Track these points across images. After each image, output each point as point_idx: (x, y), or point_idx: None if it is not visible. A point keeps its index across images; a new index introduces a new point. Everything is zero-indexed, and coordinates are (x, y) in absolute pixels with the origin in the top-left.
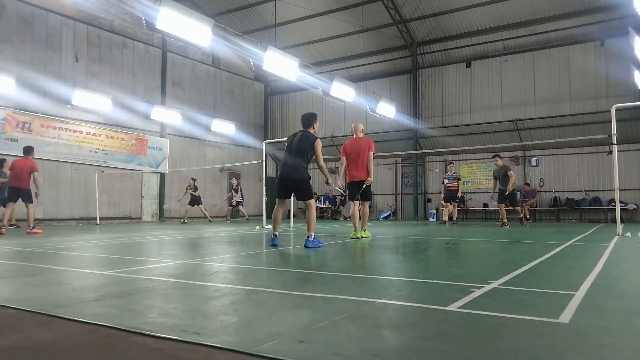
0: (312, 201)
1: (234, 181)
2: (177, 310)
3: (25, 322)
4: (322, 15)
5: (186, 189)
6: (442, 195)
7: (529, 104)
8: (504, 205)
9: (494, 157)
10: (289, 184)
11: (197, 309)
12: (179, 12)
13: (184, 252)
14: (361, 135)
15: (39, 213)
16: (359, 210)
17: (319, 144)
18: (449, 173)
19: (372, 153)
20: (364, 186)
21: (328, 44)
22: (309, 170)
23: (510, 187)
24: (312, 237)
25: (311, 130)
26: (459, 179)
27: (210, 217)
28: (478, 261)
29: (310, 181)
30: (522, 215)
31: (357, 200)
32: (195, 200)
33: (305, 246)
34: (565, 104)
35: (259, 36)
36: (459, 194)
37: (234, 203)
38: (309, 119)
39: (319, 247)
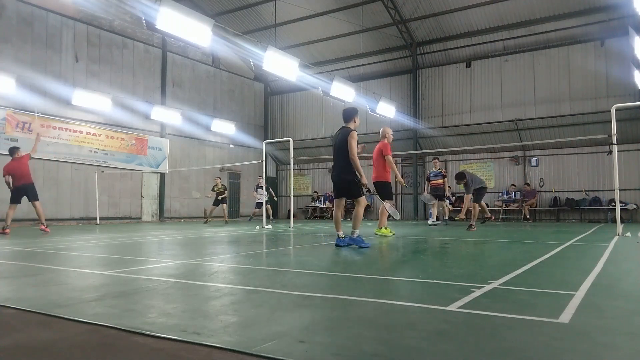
0: (362, 199)
1: (260, 179)
2: (177, 310)
3: (25, 322)
4: (322, 15)
5: (212, 189)
6: (426, 192)
7: (529, 104)
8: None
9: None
10: (338, 186)
11: (197, 309)
12: (179, 12)
13: (184, 252)
14: (384, 140)
15: None
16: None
17: (352, 136)
18: (433, 169)
19: (388, 156)
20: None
21: (328, 44)
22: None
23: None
24: (356, 234)
25: (351, 125)
26: (444, 176)
27: (210, 217)
28: (478, 261)
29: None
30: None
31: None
32: (220, 200)
33: (347, 244)
34: (565, 104)
35: (259, 36)
36: (447, 193)
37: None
38: (349, 114)
39: (362, 246)
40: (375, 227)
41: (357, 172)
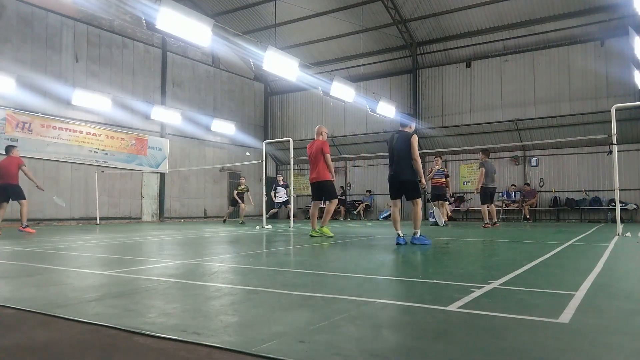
0: (419, 200)
1: (279, 177)
2: (177, 310)
3: (25, 322)
4: (322, 15)
5: (237, 190)
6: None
7: (529, 104)
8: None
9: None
10: (398, 185)
11: (197, 309)
12: (179, 12)
13: (184, 252)
14: (320, 137)
15: (60, 202)
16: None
17: (415, 139)
18: (437, 167)
19: (328, 155)
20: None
21: (328, 44)
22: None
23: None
24: (419, 234)
25: (407, 129)
26: (447, 176)
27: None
28: (478, 261)
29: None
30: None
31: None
32: (243, 200)
33: (412, 242)
34: (565, 104)
35: (259, 36)
36: (449, 193)
37: (277, 200)
38: (407, 120)
39: (424, 244)
40: (319, 227)
41: (418, 174)
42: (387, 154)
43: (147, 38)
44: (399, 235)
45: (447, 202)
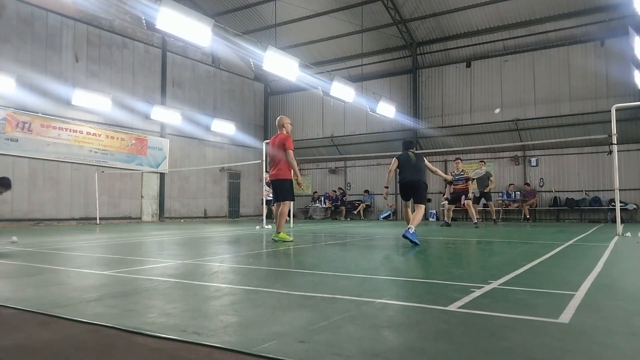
0: (424, 207)
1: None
2: (177, 310)
3: (25, 322)
4: (322, 15)
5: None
6: (446, 196)
7: (529, 104)
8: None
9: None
10: (412, 188)
11: (197, 309)
12: (179, 12)
13: (184, 252)
14: (282, 131)
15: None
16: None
17: (426, 161)
18: (455, 172)
19: (290, 151)
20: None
21: (328, 44)
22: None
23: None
24: (412, 230)
25: (414, 149)
26: (467, 179)
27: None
28: (478, 261)
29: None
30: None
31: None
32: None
33: (403, 235)
34: (565, 104)
35: (259, 36)
36: (470, 195)
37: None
38: (411, 143)
39: (413, 241)
40: (275, 232)
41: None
42: (387, 154)
43: (147, 38)
44: (409, 229)
45: (453, 206)
